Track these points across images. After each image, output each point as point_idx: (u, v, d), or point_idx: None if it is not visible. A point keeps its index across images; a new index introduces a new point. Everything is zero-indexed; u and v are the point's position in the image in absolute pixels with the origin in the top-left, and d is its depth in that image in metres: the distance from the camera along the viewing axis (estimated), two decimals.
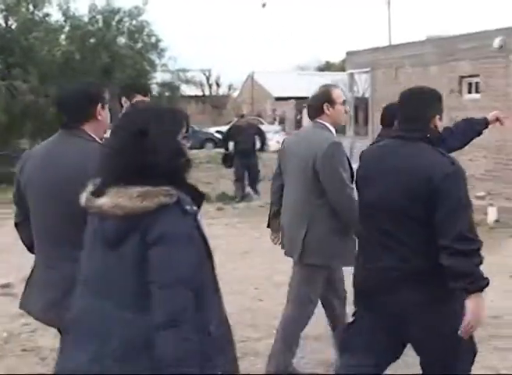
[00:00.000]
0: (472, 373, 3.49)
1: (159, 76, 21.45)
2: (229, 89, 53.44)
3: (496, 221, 10.78)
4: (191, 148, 20.04)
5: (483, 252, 3.16)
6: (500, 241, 9.57)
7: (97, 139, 3.26)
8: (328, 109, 4.52)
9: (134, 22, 20.21)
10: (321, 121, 4.57)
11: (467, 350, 3.37)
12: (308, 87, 42.11)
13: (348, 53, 22.25)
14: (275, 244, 4.97)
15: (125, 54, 19.08)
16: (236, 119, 16.55)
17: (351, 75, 22.80)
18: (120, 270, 2.35)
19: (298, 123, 46.64)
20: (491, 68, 15.48)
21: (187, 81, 34.00)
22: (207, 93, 51.53)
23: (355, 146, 22.66)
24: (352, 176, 4.36)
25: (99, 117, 3.27)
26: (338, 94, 4.61)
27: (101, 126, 3.33)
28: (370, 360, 3.41)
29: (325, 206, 4.42)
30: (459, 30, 18.54)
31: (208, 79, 51.49)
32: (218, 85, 52.56)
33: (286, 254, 4.73)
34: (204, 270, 2.41)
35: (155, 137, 2.38)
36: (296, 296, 4.60)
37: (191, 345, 2.21)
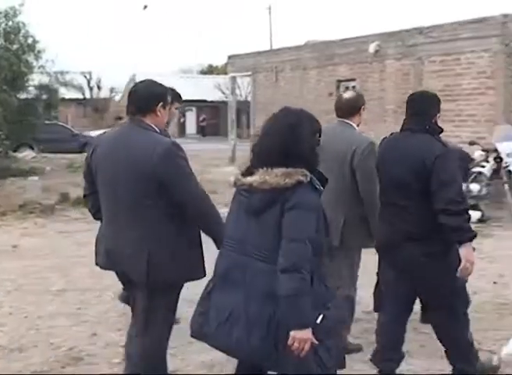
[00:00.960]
0: None
1: (37, 79, 20.80)
2: (111, 92, 52.54)
3: None
4: (71, 151, 19.42)
5: None
6: None
7: (156, 130, 3.89)
8: (361, 112, 5.12)
9: (10, 23, 19.57)
10: (349, 122, 5.07)
11: (464, 293, 4.34)
12: (192, 90, 42.23)
13: (230, 57, 22.42)
14: None
15: (1, 55, 18.44)
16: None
17: (233, 78, 23.00)
18: (260, 232, 3.17)
19: (182, 126, 46.55)
20: (367, 72, 16.03)
21: (66, 84, 33.19)
22: (88, 96, 50.49)
23: (237, 149, 22.91)
24: None
25: (158, 113, 3.91)
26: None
27: (159, 122, 3.96)
28: (397, 308, 4.41)
29: (359, 197, 4.95)
30: (337, 36, 19.23)
31: (88, 82, 50.47)
32: (99, 88, 51.60)
33: None
34: (320, 237, 3.17)
35: (304, 132, 3.23)
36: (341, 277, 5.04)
37: (307, 285, 3.03)
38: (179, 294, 4.03)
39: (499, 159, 10.69)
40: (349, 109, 5.09)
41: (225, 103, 28.90)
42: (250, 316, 3.12)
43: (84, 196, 4.35)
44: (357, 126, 5.12)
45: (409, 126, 4.28)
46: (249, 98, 24.09)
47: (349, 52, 16.49)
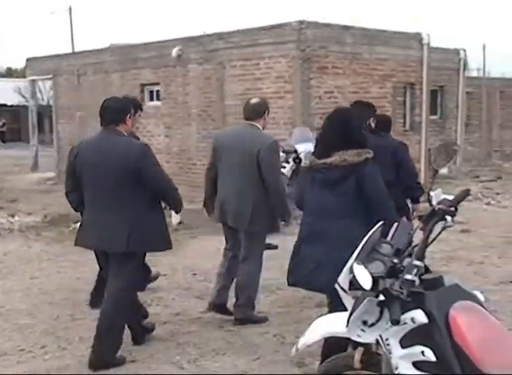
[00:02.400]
0: None
1: None
2: None
3: (179, 223, 11.18)
4: None
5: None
6: (183, 241, 9.96)
7: (125, 135, 5.16)
8: (266, 116, 6.04)
9: None
10: (255, 124, 5.94)
11: None
12: None
13: (28, 59, 21.52)
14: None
15: None
16: None
17: (33, 82, 22.14)
18: (337, 198, 4.32)
19: None
20: (170, 76, 16.07)
21: None
22: None
23: (40, 155, 22.06)
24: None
25: (127, 122, 5.19)
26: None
27: (128, 129, 5.26)
28: None
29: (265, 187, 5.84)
30: (141, 39, 19.12)
31: None
32: None
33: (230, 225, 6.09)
34: None
35: (355, 125, 4.57)
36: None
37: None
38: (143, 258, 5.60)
39: (298, 160, 11.11)
40: (254, 113, 5.97)
41: (26, 107, 27.67)
42: (336, 262, 3.59)
43: (67, 192, 5.45)
44: (263, 127, 6.02)
45: None
46: (51, 102, 23.24)
47: (152, 56, 16.44)
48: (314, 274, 4.31)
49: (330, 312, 4.17)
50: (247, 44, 14.27)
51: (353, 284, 2.93)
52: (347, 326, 2.77)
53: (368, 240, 3.09)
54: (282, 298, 6.92)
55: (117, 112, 5.16)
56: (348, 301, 3.04)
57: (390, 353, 2.90)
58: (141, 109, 6.65)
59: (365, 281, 2.81)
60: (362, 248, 3.04)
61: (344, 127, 4.44)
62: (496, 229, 10.71)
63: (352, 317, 2.74)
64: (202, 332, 5.94)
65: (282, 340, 5.70)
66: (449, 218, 3.13)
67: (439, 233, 3.12)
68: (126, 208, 5.02)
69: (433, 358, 2.72)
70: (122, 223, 5.01)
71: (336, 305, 3.90)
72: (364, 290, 2.82)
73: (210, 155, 6.39)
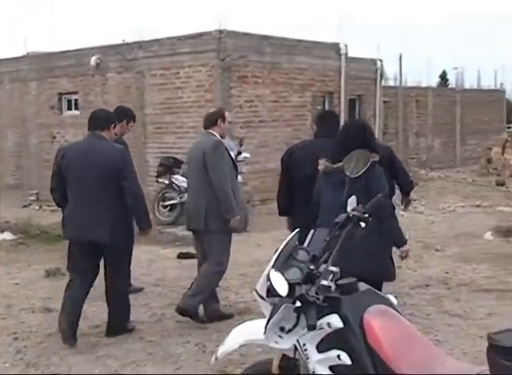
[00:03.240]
0: None
1: None
2: None
3: None
4: None
5: None
6: None
7: (109, 140, 5.99)
8: (220, 124, 6.43)
9: None
10: (211, 131, 6.38)
11: None
12: None
13: None
14: None
15: None
16: None
17: None
18: (350, 194, 4.56)
19: None
20: (89, 85, 15.87)
21: None
22: None
23: None
24: None
25: (111, 130, 6.07)
26: (228, 114, 6.65)
27: (111, 136, 6.09)
28: None
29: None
30: (58, 48, 18.76)
31: None
32: None
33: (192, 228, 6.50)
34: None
35: (371, 131, 5.32)
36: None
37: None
38: (131, 253, 6.26)
39: None
40: (209, 121, 6.45)
41: None
42: (364, 253, 4.65)
43: (52, 189, 6.14)
44: (221, 135, 6.44)
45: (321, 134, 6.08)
46: None
47: (70, 65, 16.18)
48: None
49: None
50: (167, 53, 14.25)
51: (271, 291, 2.96)
52: (265, 333, 2.79)
53: (284, 247, 3.12)
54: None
55: (103, 119, 6.05)
56: (266, 309, 3.06)
57: (307, 358, 2.93)
58: (134, 120, 7.61)
59: (281, 288, 2.84)
60: (279, 255, 3.07)
61: (353, 136, 5.10)
62: (412, 234, 10.99)
63: (269, 324, 2.77)
64: (122, 344, 5.86)
65: (203, 349, 5.69)
66: (363, 224, 3.21)
67: (353, 240, 3.18)
68: (107, 204, 5.75)
69: (349, 362, 2.77)
70: (105, 218, 5.72)
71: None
72: (280, 296, 2.85)
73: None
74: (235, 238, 10.48)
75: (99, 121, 6.02)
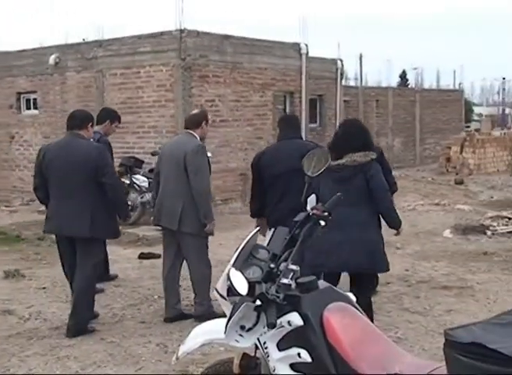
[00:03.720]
0: None
1: None
2: None
3: None
4: None
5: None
6: None
7: (87, 139, 6.29)
8: (203, 126, 6.54)
9: None
10: (193, 132, 6.44)
11: None
12: None
13: None
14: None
15: None
16: None
17: None
18: (348, 193, 4.71)
19: None
20: (48, 84, 15.68)
21: None
22: None
23: None
24: None
25: (89, 129, 6.33)
26: (209, 117, 6.87)
27: (89, 135, 6.38)
28: None
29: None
30: (16, 46, 18.50)
31: None
32: None
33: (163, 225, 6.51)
34: None
35: (367, 131, 5.72)
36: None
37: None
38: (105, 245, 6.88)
39: None
40: (193, 123, 6.49)
41: None
42: (356, 241, 5.25)
43: (35, 188, 6.45)
44: (202, 137, 6.55)
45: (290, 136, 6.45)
46: None
47: (28, 64, 15.96)
48: (350, 255, 5.27)
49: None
50: (127, 52, 14.14)
51: (231, 290, 2.96)
52: (225, 332, 2.79)
53: (244, 245, 3.13)
54: (164, 307, 6.88)
55: (80, 119, 6.30)
56: (227, 308, 3.06)
57: (268, 356, 2.94)
58: (119, 121, 7.88)
59: (241, 287, 2.84)
60: (239, 254, 3.07)
61: (353, 134, 5.49)
62: None
63: (229, 323, 2.77)
64: (83, 345, 5.82)
65: (164, 349, 5.67)
66: (322, 223, 3.23)
67: (313, 238, 3.20)
68: (87, 199, 6.04)
69: (309, 359, 2.78)
70: (84, 212, 6.01)
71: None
72: (241, 295, 2.85)
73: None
74: None
75: (76, 121, 6.28)
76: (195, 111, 6.90)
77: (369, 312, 5.52)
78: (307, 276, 2.97)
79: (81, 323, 6.10)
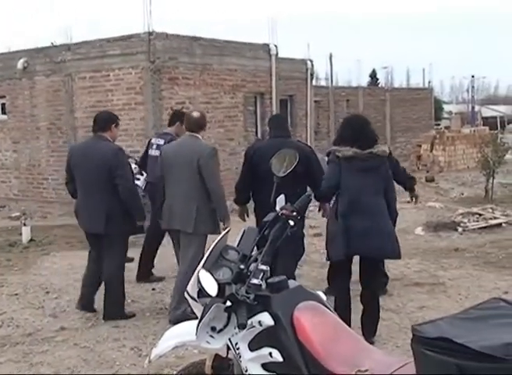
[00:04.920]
0: None
1: None
2: None
3: (31, 240, 10.82)
4: None
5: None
6: (35, 259, 9.64)
7: (112, 142, 6.62)
8: (204, 129, 6.73)
9: None
10: (197, 135, 6.57)
11: None
12: None
13: None
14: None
15: None
16: None
17: None
18: (375, 180, 5.58)
19: None
20: (17, 89, 15.54)
21: None
22: None
23: None
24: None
25: (113, 130, 6.67)
26: None
27: (113, 136, 6.71)
28: None
29: (207, 192, 6.36)
30: None
31: None
32: None
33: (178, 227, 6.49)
34: None
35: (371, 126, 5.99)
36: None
37: None
38: (127, 240, 6.76)
39: None
40: (197, 126, 6.61)
41: None
42: (383, 229, 5.52)
43: (66, 183, 6.96)
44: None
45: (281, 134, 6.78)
46: None
47: None
48: (381, 243, 5.51)
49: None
50: (96, 55, 14.06)
51: (202, 292, 2.96)
52: (196, 333, 2.80)
53: (214, 246, 3.13)
54: (138, 310, 6.87)
55: (103, 121, 6.66)
56: (198, 309, 3.07)
57: (240, 357, 2.95)
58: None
59: (211, 288, 2.85)
60: (209, 254, 3.08)
61: (372, 129, 5.90)
62: None
63: (200, 324, 2.77)
64: (56, 351, 5.78)
65: (139, 353, 5.66)
66: (292, 222, 3.24)
67: (283, 237, 3.21)
68: (104, 199, 6.42)
69: (280, 359, 2.80)
70: (100, 211, 6.42)
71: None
72: (211, 297, 2.86)
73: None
74: (170, 242, 10.45)
75: (99, 123, 6.65)
76: (195, 114, 6.79)
77: (375, 302, 5.70)
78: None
79: (115, 308, 6.58)
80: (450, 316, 2.36)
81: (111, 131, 6.64)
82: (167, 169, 6.52)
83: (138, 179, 11.59)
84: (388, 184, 5.77)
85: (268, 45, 16.34)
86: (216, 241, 3.20)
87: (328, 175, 5.71)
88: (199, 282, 2.90)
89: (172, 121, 8.16)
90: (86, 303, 6.84)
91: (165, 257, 9.46)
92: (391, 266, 8.56)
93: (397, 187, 7.75)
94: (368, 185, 5.55)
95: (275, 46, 16.44)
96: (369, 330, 5.67)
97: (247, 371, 2.91)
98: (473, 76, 58.54)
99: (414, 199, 7.72)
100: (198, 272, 2.95)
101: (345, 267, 5.71)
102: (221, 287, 2.89)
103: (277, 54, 16.46)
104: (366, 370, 2.57)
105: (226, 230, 3.36)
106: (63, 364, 5.45)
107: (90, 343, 5.96)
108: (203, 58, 14.45)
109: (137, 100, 13.53)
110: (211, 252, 3.10)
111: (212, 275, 2.91)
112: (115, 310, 6.59)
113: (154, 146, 8.13)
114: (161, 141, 7.94)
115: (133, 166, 11.83)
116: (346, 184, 5.52)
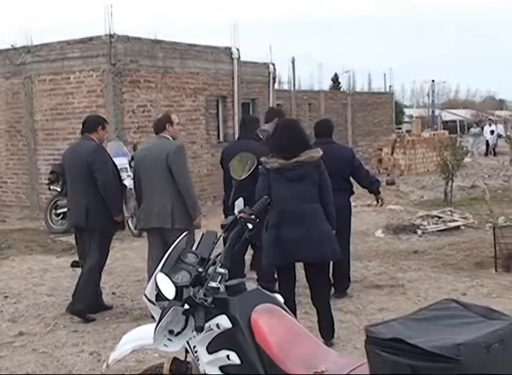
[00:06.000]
0: None
1: None
2: None
3: None
4: None
5: None
6: None
7: (97, 142, 6.94)
8: (170, 127, 6.83)
9: None
10: (165, 135, 6.80)
11: None
12: None
13: None
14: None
15: None
16: None
17: None
18: (305, 189, 5.49)
19: None
20: None
21: None
22: None
23: None
24: None
25: (99, 132, 6.96)
26: (175, 117, 7.01)
27: (100, 138, 7.00)
28: None
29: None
30: None
31: None
32: None
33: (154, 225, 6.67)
34: None
35: (305, 131, 5.91)
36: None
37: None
38: (109, 240, 7.07)
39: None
40: (157, 127, 6.85)
41: None
42: (322, 233, 5.48)
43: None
44: (173, 137, 6.89)
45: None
46: None
47: None
48: (318, 247, 5.48)
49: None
50: (56, 57, 13.94)
51: (160, 295, 2.96)
52: (154, 337, 2.80)
53: (173, 250, 3.14)
54: (98, 315, 6.82)
55: (90, 123, 7.02)
56: (156, 313, 3.07)
57: (198, 360, 2.96)
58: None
59: (168, 291, 2.85)
60: (167, 258, 3.08)
61: (301, 134, 5.69)
62: None
63: (158, 327, 2.77)
64: (15, 356, 5.71)
65: (98, 357, 5.62)
66: (250, 225, 3.26)
67: (241, 241, 3.23)
68: (85, 192, 6.78)
69: (238, 361, 2.81)
70: (81, 205, 6.78)
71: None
72: (169, 300, 2.86)
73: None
74: (131, 245, 10.40)
75: (87, 125, 7.03)
76: (159, 116, 7.32)
77: (326, 304, 5.75)
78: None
79: (79, 309, 6.66)
80: (403, 317, 2.40)
81: (97, 133, 6.96)
82: (141, 172, 6.81)
83: (129, 176, 11.51)
84: (322, 189, 5.59)
85: (230, 49, 16.36)
86: (174, 244, 3.20)
87: (259, 187, 5.58)
88: (157, 285, 2.90)
89: (270, 118, 8.53)
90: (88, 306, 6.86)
91: (128, 259, 9.43)
92: (351, 269, 8.64)
93: (362, 190, 7.90)
94: (299, 193, 5.49)
95: (238, 50, 16.47)
96: (327, 332, 5.72)
97: (204, 374, 2.92)
98: (433, 81, 59.38)
99: (378, 202, 7.77)
100: (156, 275, 2.95)
101: (288, 273, 5.75)
102: (179, 290, 2.89)
103: (239, 57, 16.49)
104: (322, 371, 2.60)
105: (184, 234, 3.37)
106: (21, 369, 5.39)
107: (48, 348, 5.90)
108: (165, 61, 14.42)
109: (98, 103, 13.45)
110: (169, 256, 3.10)
111: (170, 278, 2.91)
112: (81, 308, 6.67)
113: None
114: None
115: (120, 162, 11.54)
116: (276, 195, 5.42)
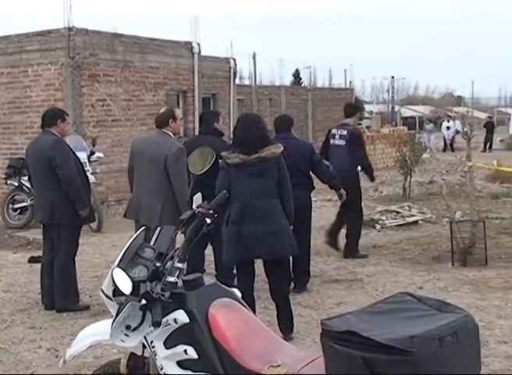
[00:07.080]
0: None
1: None
2: None
3: None
4: None
5: None
6: None
7: (58, 136, 6.81)
8: (173, 123, 6.73)
9: None
10: (166, 131, 6.68)
11: None
12: None
13: None
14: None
15: None
16: None
17: None
18: (265, 184, 5.48)
19: None
20: None
21: None
22: None
23: None
24: None
25: (59, 125, 6.84)
26: (179, 113, 7.00)
27: (61, 131, 6.89)
28: None
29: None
30: None
31: None
32: None
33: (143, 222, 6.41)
34: None
35: (266, 126, 5.83)
36: None
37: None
38: (78, 232, 7.01)
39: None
40: (161, 122, 6.76)
41: None
42: (281, 228, 5.50)
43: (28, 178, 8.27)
44: (174, 133, 6.81)
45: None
46: None
47: None
48: (278, 243, 5.51)
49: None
50: (14, 50, 13.74)
51: (118, 291, 2.95)
52: (110, 332, 2.79)
53: (130, 245, 3.12)
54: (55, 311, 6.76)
55: (48, 117, 6.90)
56: (113, 308, 3.05)
57: (155, 355, 2.95)
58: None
59: (125, 286, 2.84)
60: (124, 253, 3.07)
61: (262, 129, 5.64)
62: None
63: (114, 323, 2.76)
64: None
65: (55, 353, 5.57)
66: (208, 220, 3.26)
67: (200, 235, 3.22)
68: (48, 188, 6.75)
69: (195, 356, 2.81)
70: (46, 201, 6.75)
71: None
72: (125, 295, 2.85)
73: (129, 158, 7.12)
74: (89, 240, 10.31)
75: (45, 119, 6.92)
76: (162, 110, 7.10)
77: (285, 299, 5.77)
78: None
79: (67, 299, 6.73)
80: (359, 311, 2.43)
81: (57, 126, 6.83)
82: (135, 162, 6.80)
83: (88, 170, 11.41)
84: (281, 184, 5.59)
85: (190, 43, 16.30)
86: (132, 239, 3.19)
87: (219, 182, 5.59)
88: (113, 280, 2.89)
89: (349, 113, 9.09)
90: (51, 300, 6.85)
91: (86, 254, 9.35)
92: (311, 263, 8.69)
93: (323, 185, 7.96)
94: (258, 189, 5.50)
95: (198, 44, 16.42)
96: (286, 327, 5.75)
97: (162, 369, 2.92)
98: (393, 77, 59.97)
99: (339, 197, 7.87)
100: (112, 270, 2.93)
101: (247, 268, 5.77)
102: (136, 285, 2.88)
103: (200, 52, 16.43)
104: (278, 365, 2.62)
105: (142, 229, 3.35)
106: None
107: (5, 344, 5.83)
108: (124, 55, 14.31)
109: (56, 96, 13.29)
110: (126, 250, 3.09)
111: (127, 273, 2.90)
112: (68, 301, 6.74)
113: (337, 136, 9.25)
114: (344, 132, 9.08)
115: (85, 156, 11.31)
116: (236, 190, 5.44)
